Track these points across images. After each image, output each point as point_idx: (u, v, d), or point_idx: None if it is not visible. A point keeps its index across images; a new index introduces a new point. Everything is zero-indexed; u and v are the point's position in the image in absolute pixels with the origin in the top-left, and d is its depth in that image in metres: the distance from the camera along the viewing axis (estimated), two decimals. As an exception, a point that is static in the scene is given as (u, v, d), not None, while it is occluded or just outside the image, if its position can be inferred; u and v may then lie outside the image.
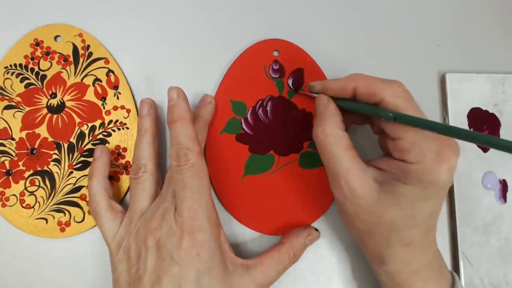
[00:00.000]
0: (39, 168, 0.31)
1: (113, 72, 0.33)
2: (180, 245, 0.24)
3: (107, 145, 0.32)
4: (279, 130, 0.32)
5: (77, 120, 0.32)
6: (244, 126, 0.32)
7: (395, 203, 0.24)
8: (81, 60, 0.33)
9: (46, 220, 0.31)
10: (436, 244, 0.27)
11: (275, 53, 0.34)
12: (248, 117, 0.33)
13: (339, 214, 0.29)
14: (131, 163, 0.32)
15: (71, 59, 0.33)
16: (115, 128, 0.32)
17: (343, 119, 0.27)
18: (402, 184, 0.24)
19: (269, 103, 0.33)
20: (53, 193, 0.31)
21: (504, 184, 0.33)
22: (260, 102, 0.33)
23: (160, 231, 0.25)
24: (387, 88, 0.25)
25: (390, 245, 0.25)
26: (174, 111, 0.27)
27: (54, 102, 0.32)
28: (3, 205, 0.31)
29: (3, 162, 0.31)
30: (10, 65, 0.33)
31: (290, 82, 0.33)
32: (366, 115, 0.28)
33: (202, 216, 0.25)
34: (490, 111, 0.34)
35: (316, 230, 0.31)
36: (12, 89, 0.32)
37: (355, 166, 0.25)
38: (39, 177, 0.31)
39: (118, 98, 0.33)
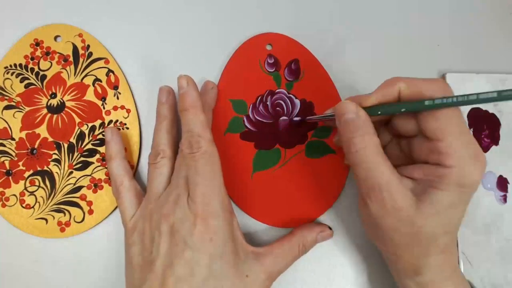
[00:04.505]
0: (39, 168, 0.31)
1: (113, 72, 0.33)
2: (194, 231, 0.24)
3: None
4: (282, 123, 0.32)
5: (77, 120, 0.32)
6: (247, 124, 0.32)
7: (433, 211, 0.23)
8: (81, 60, 0.33)
9: (46, 220, 0.31)
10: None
11: (268, 47, 0.34)
12: (250, 114, 0.33)
13: (367, 233, 0.28)
14: (130, 163, 0.32)
15: (71, 59, 0.33)
16: (115, 128, 0.32)
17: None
18: (438, 191, 0.23)
19: (269, 97, 0.33)
20: (53, 193, 0.31)
21: (504, 184, 0.33)
22: (259, 97, 0.33)
23: (173, 216, 0.25)
24: (433, 86, 0.24)
25: (429, 254, 0.25)
26: (185, 99, 0.27)
27: (54, 102, 0.32)
28: (3, 205, 0.31)
29: (3, 162, 0.31)
30: (10, 65, 0.33)
31: (286, 74, 0.33)
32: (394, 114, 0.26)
33: (215, 202, 0.25)
34: (490, 111, 0.34)
35: (330, 228, 0.31)
36: (12, 89, 0.32)
37: (394, 178, 0.24)
38: (39, 177, 0.31)
39: (118, 98, 0.33)
